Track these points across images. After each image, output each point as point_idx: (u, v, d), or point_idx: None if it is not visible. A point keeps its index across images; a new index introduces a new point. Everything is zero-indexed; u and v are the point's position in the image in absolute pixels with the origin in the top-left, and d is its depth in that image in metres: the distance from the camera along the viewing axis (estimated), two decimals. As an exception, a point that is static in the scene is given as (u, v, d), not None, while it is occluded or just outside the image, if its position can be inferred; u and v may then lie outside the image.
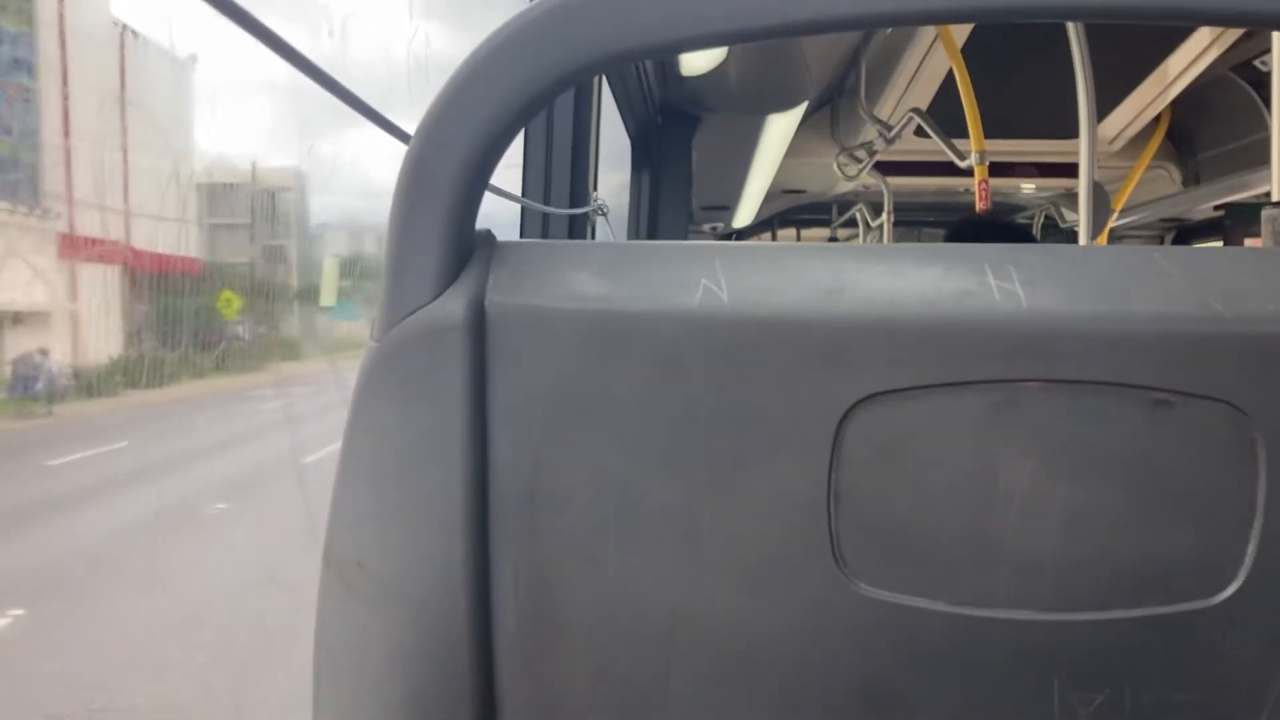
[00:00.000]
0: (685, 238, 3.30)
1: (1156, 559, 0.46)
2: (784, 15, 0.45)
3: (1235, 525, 0.46)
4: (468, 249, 0.49)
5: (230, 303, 3.71)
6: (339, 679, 0.51)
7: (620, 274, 0.48)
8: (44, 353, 3.20)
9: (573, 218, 1.57)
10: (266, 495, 4.27)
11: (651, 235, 3.15)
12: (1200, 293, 0.46)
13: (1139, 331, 0.45)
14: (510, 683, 0.49)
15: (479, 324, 0.47)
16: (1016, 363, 0.45)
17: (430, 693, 0.49)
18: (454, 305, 0.47)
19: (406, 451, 0.48)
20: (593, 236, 1.68)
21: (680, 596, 0.48)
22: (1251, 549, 0.46)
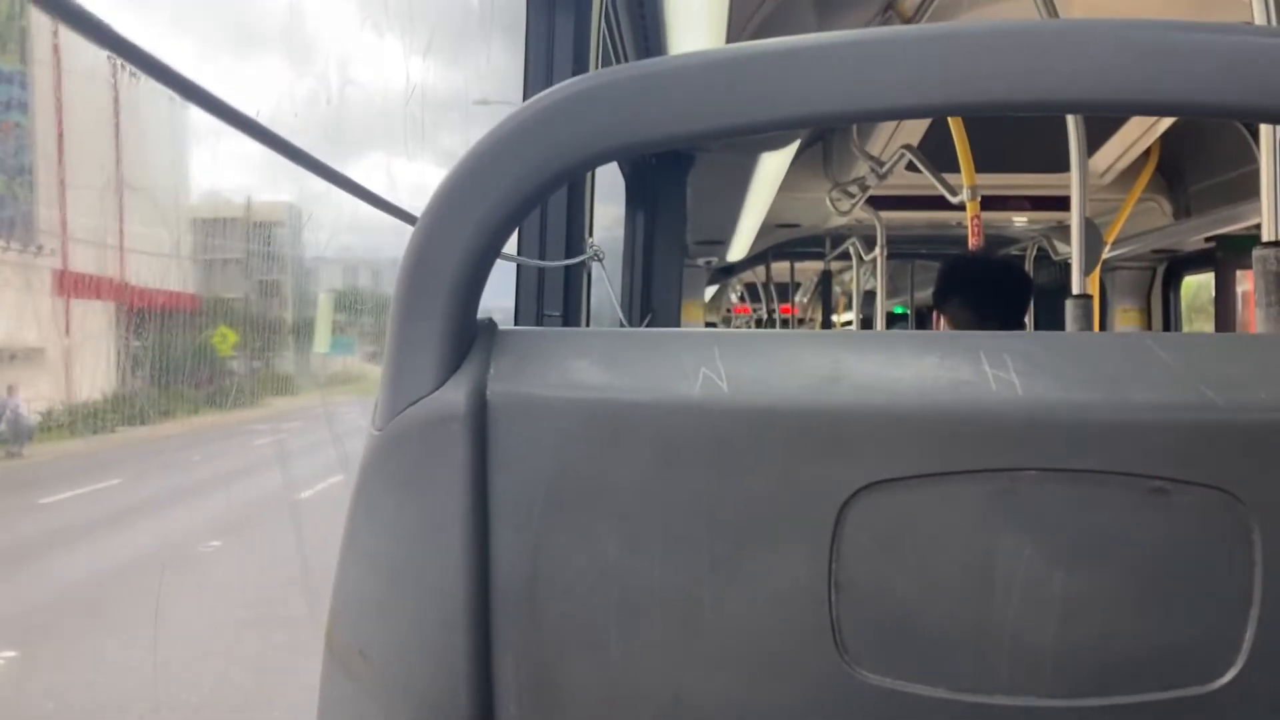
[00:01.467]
0: (680, 272, 3.31)
1: (1155, 645, 0.46)
2: (779, 111, 0.46)
3: (1232, 611, 0.46)
4: (469, 337, 0.49)
5: (225, 338, 3.70)
6: None
7: (620, 363, 0.49)
8: (10, 390, 3.14)
9: (569, 266, 1.58)
10: (258, 533, 4.24)
11: (647, 271, 3.16)
12: (1195, 380, 0.46)
13: (1134, 420, 0.46)
14: None
15: (480, 413, 0.48)
16: (1013, 452, 0.46)
17: None
18: (456, 395, 0.48)
19: (408, 540, 0.49)
20: (589, 280, 1.69)
21: (682, 683, 0.48)
22: (1249, 635, 0.46)
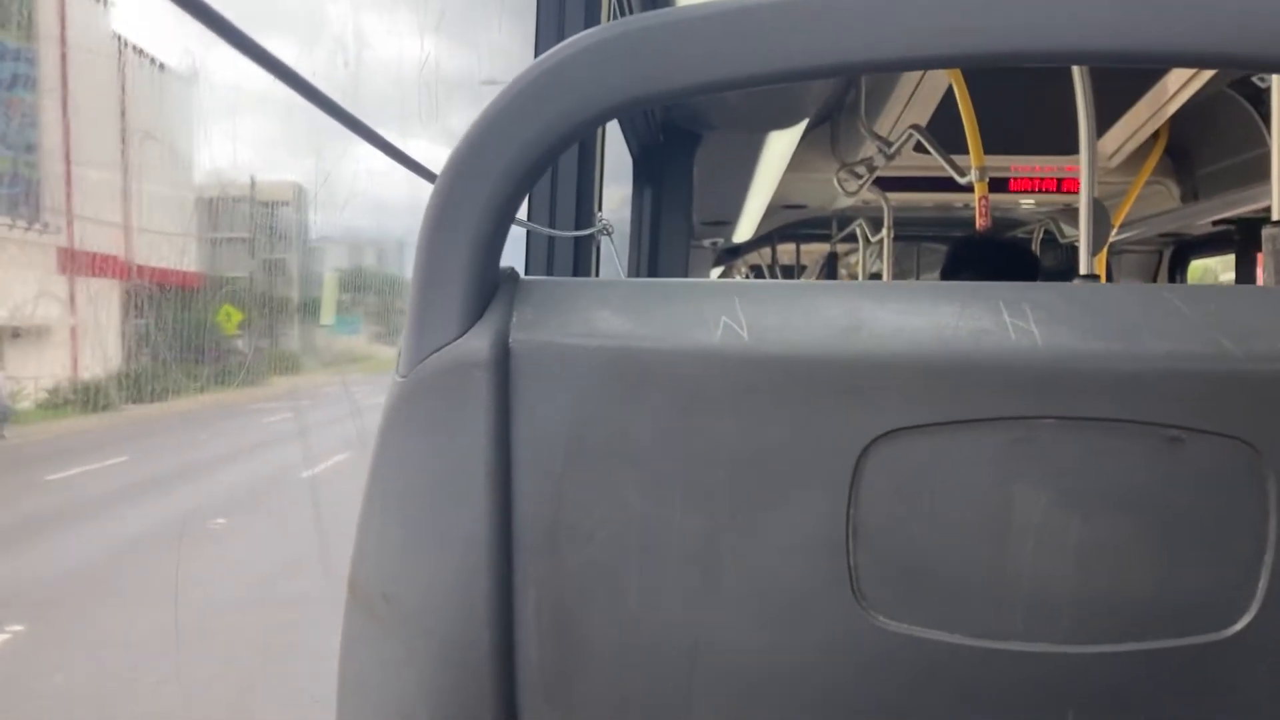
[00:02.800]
0: (687, 253, 3.31)
1: (1169, 593, 0.47)
2: (793, 60, 0.46)
3: (1247, 560, 0.47)
4: (492, 286, 0.50)
5: (230, 317, 3.69)
6: (362, 709, 0.52)
7: (642, 311, 0.49)
8: (-11, 367, 3.08)
9: (578, 239, 1.58)
10: (266, 510, 4.25)
11: (653, 251, 3.17)
12: (1211, 331, 0.47)
13: (1152, 369, 0.46)
14: (533, 714, 0.50)
15: (503, 361, 0.48)
16: (1032, 400, 0.46)
17: None
18: (479, 342, 0.48)
19: (431, 485, 0.49)
20: (598, 256, 1.69)
21: (701, 629, 0.48)
22: (1263, 583, 0.46)
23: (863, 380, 0.47)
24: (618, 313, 0.49)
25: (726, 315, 0.48)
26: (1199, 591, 0.47)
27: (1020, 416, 0.46)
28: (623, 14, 2.17)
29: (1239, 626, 0.47)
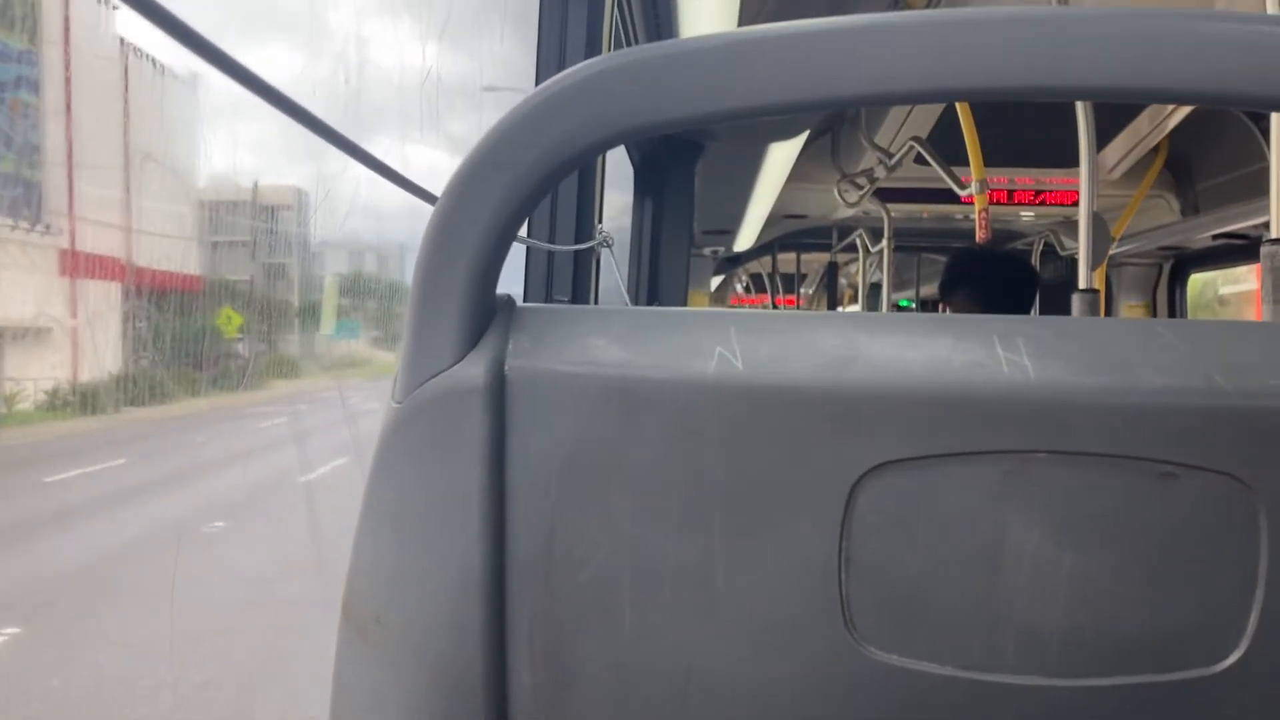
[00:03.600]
0: (687, 262, 3.32)
1: (1160, 627, 0.47)
2: (793, 92, 0.46)
3: (1237, 595, 0.47)
4: (488, 313, 0.50)
5: (230, 320, 3.69)
6: None
7: (637, 340, 0.49)
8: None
9: (578, 252, 1.58)
10: (261, 514, 4.24)
11: (654, 260, 3.17)
12: (1203, 366, 0.47)
13: (1143, 404, 0.46)
14: None
15: (499, 387, 0.48)
16: (1024, 433, 0.46)
17: None
18: (475, 369, 0.48)
19: (426, 510, 0.49)
20: (597, 266, 1.69)
21: (693, 655, 0.48)
22: (1253, 619, 0.47)
23: (857, 412, 0.47)
24: (613, 341, 0.49)
25: (721, 345, 0.48)
26: (1189, 626, 0.47)
27: (1013, 450, 0.46)
28: (626, 36, 2.18)
29: (1229, 662, 0.47)
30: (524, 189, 0.48)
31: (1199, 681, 0.47)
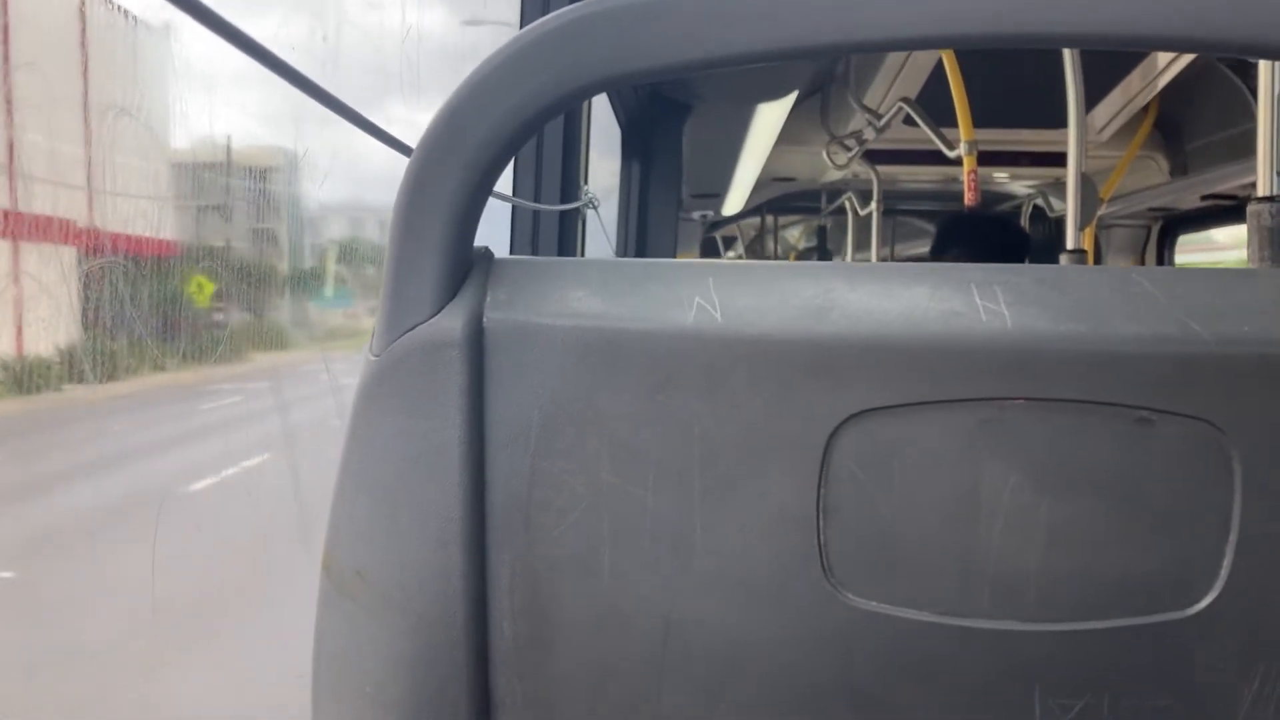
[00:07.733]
0: (675, 226, 3.31)
1: (1135, 571, 0.48)
2: (781, 39, 0.46)
3: (1211, 539, 0.47)
4: (466, 265, 0.50)
5: (202, 288, 3.64)
6: (337, 685, 0.53)
7: (615, 291, 0.49)
8: None
9: (564, 213, 1.57)
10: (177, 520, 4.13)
11: (642, 224, 3.16)
12: (1180, 313, 0.47)
13: (1120, 351, 0.46)
14: (506, 689, 0.50)
15: (477, 340, 0.48)
16: (1001, 381, 0.47)
17: (427, 699, 0.50)
18: (453, 322, 0.48)
19: (405, 463, 0.49)
20: (584, 229, 1.69)
21: (673, 605, 0.49)
22: (1226, 562, 0.47)
23: (834, 361, 0.47)
24: (592, 293, 0.49)
25: (700, 296, 0.48)
26: (1164, 570, 0.48)
27: (990, 398, 0.47)
28: None
29: (1203, 605, 0.47)
30: (502, 137, 0.47)
31: (1173, 625, 0.48)
